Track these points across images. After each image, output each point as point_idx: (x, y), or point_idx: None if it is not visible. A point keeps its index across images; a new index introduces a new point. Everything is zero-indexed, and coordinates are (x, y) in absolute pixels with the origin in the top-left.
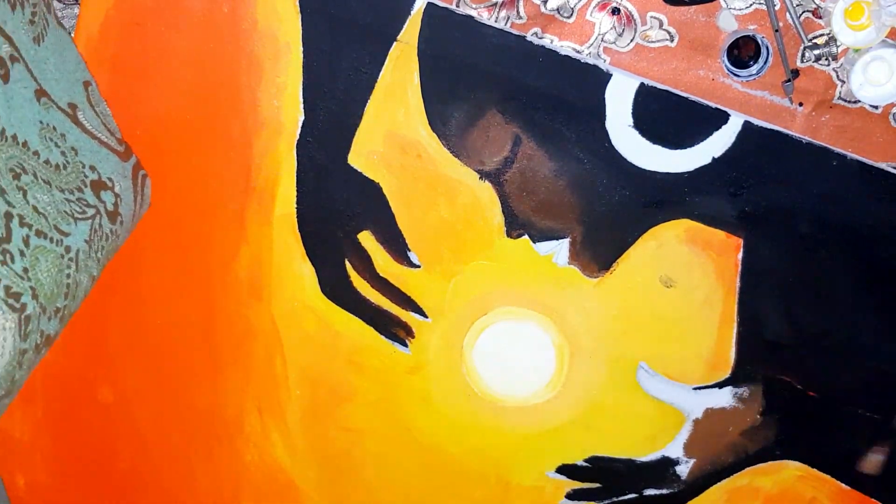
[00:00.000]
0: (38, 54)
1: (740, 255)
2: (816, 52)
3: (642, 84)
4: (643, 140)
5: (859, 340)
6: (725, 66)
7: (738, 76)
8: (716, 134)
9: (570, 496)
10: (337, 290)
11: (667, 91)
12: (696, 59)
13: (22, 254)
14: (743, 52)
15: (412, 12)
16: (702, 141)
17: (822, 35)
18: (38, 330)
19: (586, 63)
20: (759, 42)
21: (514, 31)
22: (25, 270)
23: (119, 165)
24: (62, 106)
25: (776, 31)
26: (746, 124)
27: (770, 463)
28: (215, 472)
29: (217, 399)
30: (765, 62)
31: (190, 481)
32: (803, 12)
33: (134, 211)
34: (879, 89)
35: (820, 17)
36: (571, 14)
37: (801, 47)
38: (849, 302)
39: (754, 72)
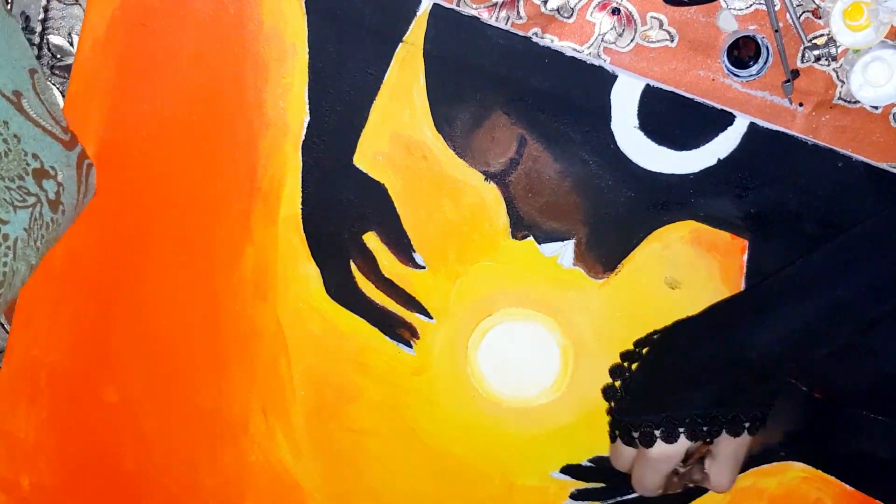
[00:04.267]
0: None
1: (745, 257)
2: (816, 52)
3: (648, 85)
4: (649, 141)
5: (864, 342)
6: (725, 66)
7: (738, 76)
8: (721, 135)
9: (574, 496)
10: (342, 291)
11: (672, 93)
12: (696, 60)
13: None
14: (743, 53)
15: (418, 13)
16: (707, 142)
17: (821, 35)
18: None
19: (592, 64)
20: (760, 42)
21: (520, 33)
22: None
23: (63, 154)
24: (6, 93)
25: (776, 31)
26: (752, 126)
27: (774, 464)
28: (220, 473)
29: (222, 399)
30: (765, 62)
31: (194, 481)
32: (803, 13)
33: (77, 200)
34: (879, 90)
35: (819, 18)
36: (571, 14)
37: (801, 48)
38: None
39: (754, 72)
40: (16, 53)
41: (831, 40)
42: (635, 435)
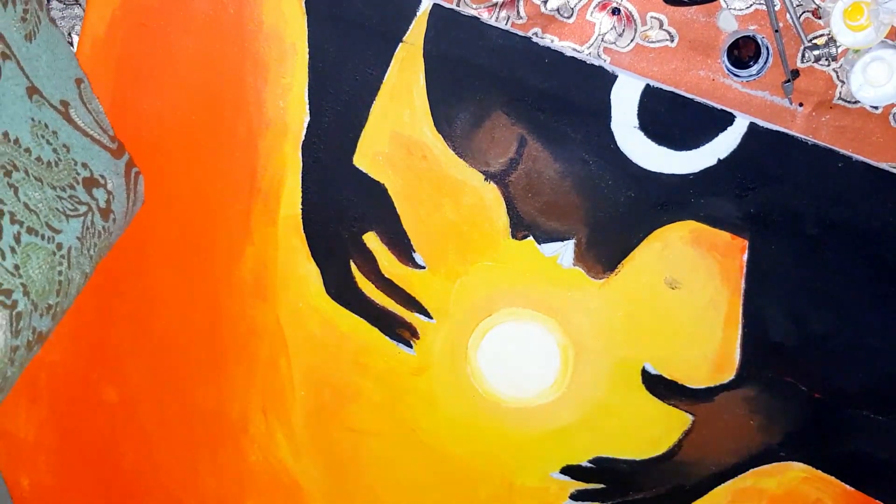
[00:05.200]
0: (29, 51)
1: (745, 257)
2: (816, 52)
3: (647, 85)
4: (648, 141)
5: (864, 342)
6: (726, 66)
7: (738, 76)
8: (721, 135)
9: (574, 497)
10: (342, 290)
11: (672, 92)
12: (696, 60)
13: (13, 251)
14: (743, 53)
15: (418, 13)
16: (707, 142)
17: (821, 35)
18: (29, 327)
19: (592, 65)
20: (760, 42)
21: (520, 33)
22: (16, 267)
23: (111, 162)
24: (54, 103)
25: (776, 31)
26: (752, 126)
27: (774, 464)
28: (220, 473)
29: (222, 399)
30: (765, 62)
31: (194, 481)
32: (803, 13)
33: (127, 208)
34: (879, 90)
35: (820, 18)
36: (571, 14)
37: (801, 48)
38: (854, 303)
39: (754, 72)
40: (62, 63)
41: (831, 40)
42: None
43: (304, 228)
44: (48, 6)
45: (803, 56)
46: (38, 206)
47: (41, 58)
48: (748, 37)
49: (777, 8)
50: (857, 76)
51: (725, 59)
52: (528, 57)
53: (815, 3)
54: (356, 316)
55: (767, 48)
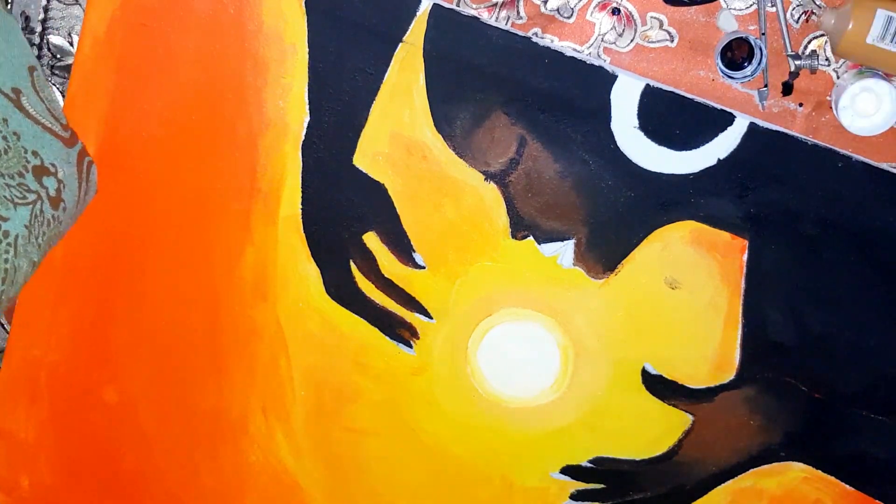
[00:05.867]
0: None
1: (745, 257)
2: (798, 62)
3: (648, 85)
4: (648, 141)
5: (865, 342)
6: (719, 68)
7: (732, 78)
8: (721, 135)
9: (574, 497)
10: (342, 291)
11: (672, 93)
12: (696, 60)
13: None
14: (737, 54)
15: (418, 13)
16: (707, 142)
17: (813, 38)
18: None
19: (592, 65)
20: (753, 44)
21: (520, 33)
22: None
23: (63, 151)
24: (5, 91)
25: (762, 34)
26: (752, 126)
27: (774, 464)
28: (220, 473)
29: (222, 400)
30: (759, 64)
31: (194, 482)
32: (801, 15)
33: (78, 197)
34: (870, 119)
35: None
36: (571, 14)
37: (789, 53)
38: (854, 303)
39: (749, 73)
40: (15, 51)
41: (814, 53)
42: None
43: (304, 228)
44: (48, 5)
45: (798, 57)
46: None
47: None
48: (741, 38)
49: (776, 10)
50: (847, 112)
51: (719, 60)
52: (528, 57)
53: (815, 2)
54: (356, 316)
55: (761, 49)
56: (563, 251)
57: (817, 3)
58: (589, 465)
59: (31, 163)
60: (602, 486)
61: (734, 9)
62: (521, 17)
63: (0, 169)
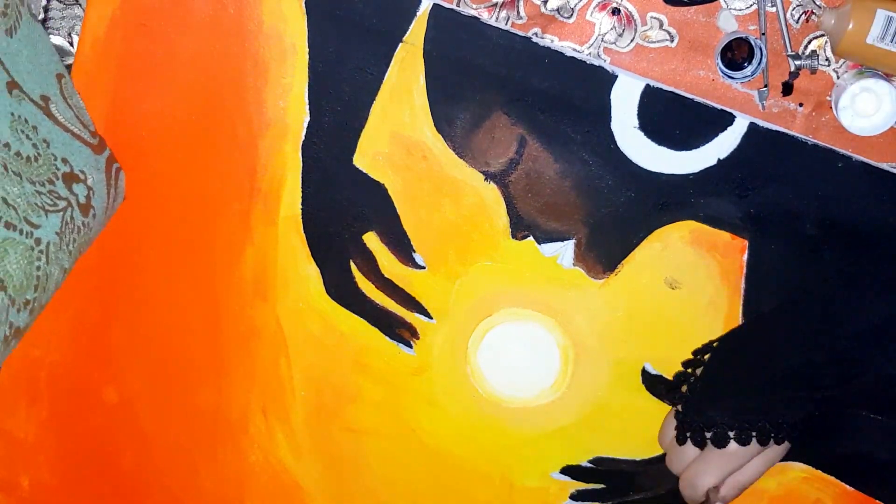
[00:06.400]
0: (10, 47)
1: (745, 257)
2: (797, 62)
3: (648, 85)
4: (649, 142)
5: (864, 342)
6: (719, 68)
7: (732, 78)
8: (721, 135)
9: (574, 497)
10: (342, 291)
11: (672, 93)
12: (696, 60)
13: None
14: (737, 55)
15: (418, 13)
16: (707, 143)
17: (813, 38)
18: (6, 322)
19: (592, 65)
20: (753, 44)
21: (520, 33)
22: None
23: (92, 158)
24: (34, 98)
25: (762, 34)
26: (752, 126)
27: (774, 465)
28: (219, 473)
29: (221, 400)
30: (759, 64)
31: (194, 482)
32: (801, 15)
33: (107, 204)
34: (870, 120)
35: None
36: (571, 14)
37: (789, 53)
38: (854, 303)
39: (749, 73)
40: (43, 59)
41: (814, 53)
42: (708, 435)
43: (304, 228)
44: (48, 5)
45: (798, 57)
46: (16, 201)
47: (22, 53)
48: (741, 38)
49: (775, 10)
50: (847, 112)
51: (719, 61)
52: (528, 57)
53: (814, 2)
54: (356, 316)
55: (761, 49)
56: (563, 251)
57: (817, 3)
58: (589, 465)
59: (61, 170)
60: (602, 486)
61: (734, 9)
62: (521, 18)
63: (31, 176)
